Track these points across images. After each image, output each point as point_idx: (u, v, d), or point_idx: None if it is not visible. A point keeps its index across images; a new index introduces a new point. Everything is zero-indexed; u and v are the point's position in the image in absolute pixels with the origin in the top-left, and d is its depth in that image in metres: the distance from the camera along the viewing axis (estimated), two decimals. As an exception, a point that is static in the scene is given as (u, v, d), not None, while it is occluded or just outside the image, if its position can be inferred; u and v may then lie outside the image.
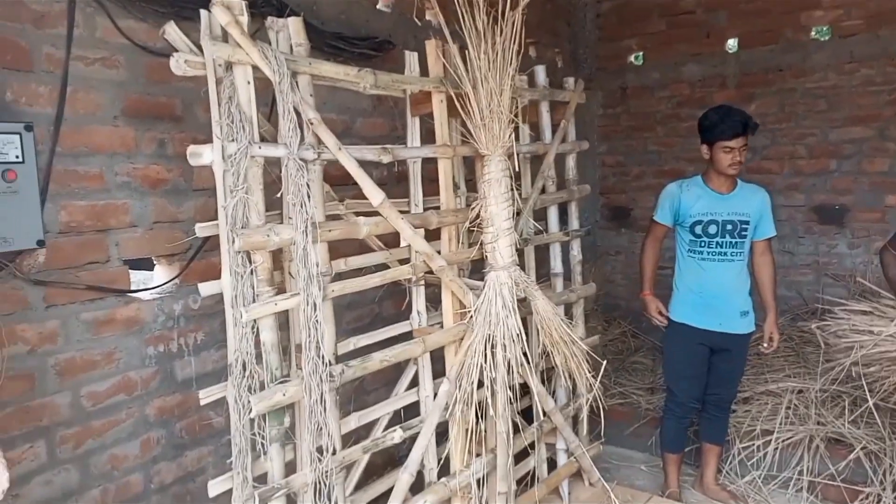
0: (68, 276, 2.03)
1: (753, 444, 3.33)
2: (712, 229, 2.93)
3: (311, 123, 1.91)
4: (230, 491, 1.87)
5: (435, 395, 2.38)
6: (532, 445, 2.84)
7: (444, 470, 2.43)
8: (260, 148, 1.80)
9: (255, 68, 1.81)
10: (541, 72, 2.92)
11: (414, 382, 2.46)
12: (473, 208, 2.46)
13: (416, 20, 3.18)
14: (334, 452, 1.96)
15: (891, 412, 3.10)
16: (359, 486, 2.40)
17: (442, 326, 2.45)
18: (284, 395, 1.83)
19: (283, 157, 1.85)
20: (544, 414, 2.83)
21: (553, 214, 3.04)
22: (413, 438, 2.31)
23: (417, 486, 2.37)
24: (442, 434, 2.44)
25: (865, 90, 4.23)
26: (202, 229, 1.90)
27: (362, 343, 2.33)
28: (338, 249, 2.14)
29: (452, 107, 2.36)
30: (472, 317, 2.38)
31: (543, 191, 2.94)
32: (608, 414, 2.92)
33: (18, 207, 1.84)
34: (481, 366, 2.35)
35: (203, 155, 1.76)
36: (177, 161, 2.29)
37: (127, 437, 2.21)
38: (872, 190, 4.28)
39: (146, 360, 2.25)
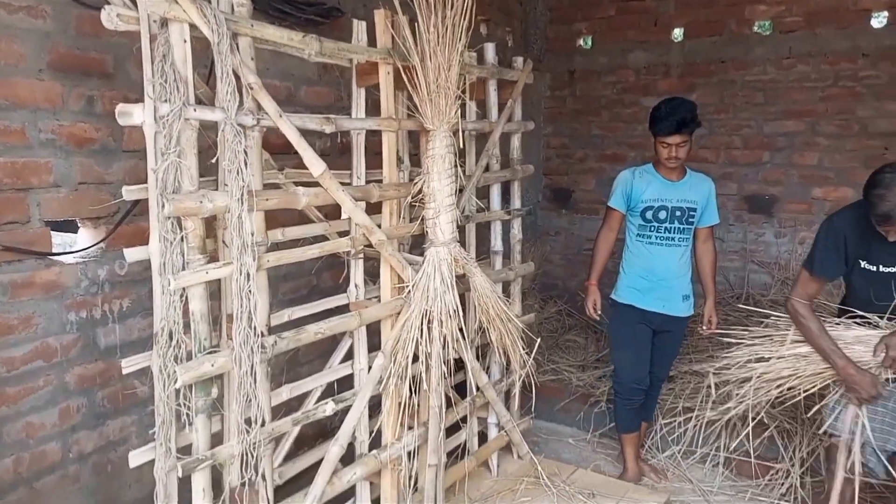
0: (-16, 235, 1.92)
1: (675, 421, 3.48)
2: (662, 215, 3.02)
3: (251, 88, 1.84)
4: (154, 462, 1.83)
5: (370, 368, 2.38)
6: (464, 419, 2.89)
7: (376, 443, 2.44)
8: (195, 110, 1.73)
9: (193, 26, 1.73)
10: (490, 49, 2.90)
11: (349, 356, 2.45)
12: (416, 183, 2.44)
13: (366, -13, 3.11)
14: (263, 424, 1.94)
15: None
16: (288, 458, 2.39)
17: (380, 300, 2.44)
18: (213, 365, 1.79)
19: (220, 122, 1.79)
20: (477, 389, 2.87)
21: (496, 193, 3.05)
22: (345, 411, 2.31)
23: (348, 458, 2.37)
24: (374, 407, 2.45)
25: (801, 86, 4.38)
26: (130, 192, 1.82)
27: (297, 315, 2.30)
28: (276, 219, 2.10)
29: (399, 79, 2.33)
30: (409, 291, 2.38)
31: (487, 169, 2.95)
32: (540, 390, 3.00)
33: (-72, 160, 1.72)
34: (417, 340, 2.36)
35: (133, 114, 1.68)
36: (106, 120, 2.18)
37: (44, 405, 2.13)
38: (801, 182, 4.47)
39: (67, 325, 2.17)
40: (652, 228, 3.05)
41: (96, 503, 2.31)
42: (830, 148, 4.33)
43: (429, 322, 2.38)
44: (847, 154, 4.26)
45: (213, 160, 1.86)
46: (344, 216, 2.28)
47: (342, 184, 2.17)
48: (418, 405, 2.50)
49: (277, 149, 2.20)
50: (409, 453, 2.47)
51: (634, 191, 3.05)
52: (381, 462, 2.41)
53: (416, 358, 2.38)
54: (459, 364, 2.65)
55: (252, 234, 1.85)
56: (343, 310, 2.39)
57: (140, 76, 1.71)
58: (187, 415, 1.83)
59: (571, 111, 5.23)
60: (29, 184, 2.03)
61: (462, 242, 2.59)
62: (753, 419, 2.59)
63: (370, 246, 2.32)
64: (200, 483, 1.86)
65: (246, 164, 1.82)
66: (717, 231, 3.14)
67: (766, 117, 4.51)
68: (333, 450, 2.27)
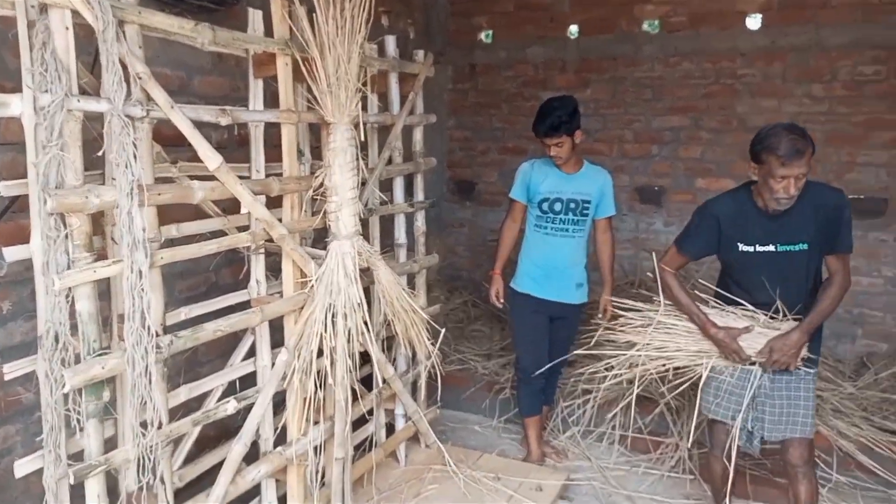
0: None
1: (574, 403, 3.64)
2: (557, 207, 3.14)
3: (140, 78, 1.77)
4: (42, 471, 1.74)
5: (273, 364, 2.35)
6: (371, 412, 2.90)
7: (281, 439, 2.42)
8: (79, 101, 1.65)
9: (76, 13, 1.64)
10: (391, 42, 2.91)
11: (251, 353, 2.41)
12: (317, 176, 2.43)
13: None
14: (160, 426, 1.88)
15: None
16: (189, 460, 2.33)
17: (282, 296, 2.41)
18: (103, 368, 1.72)
19: (106, 113, 1.71)
20: (384, 381, 2.89)
21: (399, 186, 3.08)
22: (248, 409, 2.28)
23: (253, 456, 2.34)
24: (279, 404, 2.42)
25: (685, 82, 4.65)
26: (8, 188, 1.72)
27: (195, 313, 2.24)
28: (170, 214, 2.03)
29: (298, 71, 2.30)
30: (313, 286, 2.36)
31: (390, 162, 2.96)
32: (446, 379, 3.05)
33: None
34: (321, 335, 2.35)
35: (11, 105, 1.59)
36: (-21, 109, 2.02)
37: (-86, 417, 1.97)
38: (686, 174, 4.74)
39: (-61, 331, 2.01)
40: (548, 220, 3.17)
41: (-23, 519, 2.16)
42: (712, 142, 4.62)
43: (333, 316, 2.37)
44: (726, 147, 4.56)
45: (100, 153, 1.78)
46: (243, 211, 2.24)
47: (241, 177, 2.13)
48: (324, 400, 2.49)
49: (169, 141, 2.11)
50: (315, 448, 2.46)
51: (532, 182, 3.16)
52: (287, 458, 2.38)
53: (320, 352, 2.37)
54: (365, 357, 2.66)
55: (143, 231, 1.78)
56: (244, 306, 2.34)
57: (18, 64, 1.61)
58: (77, 420, 1.74)
59: (473, 104, 5.31)
60: None
61: (365, 236, 2.60)
62: (639, 386, 2.74)
63: (271, 241, 2.29)
64: (94, 489, 1.78)
65: (135, 157, 1.74)
66: (612, 221, 3.30)
67: (655, 112, 4.75)
68: (236, 448, 2.23)
